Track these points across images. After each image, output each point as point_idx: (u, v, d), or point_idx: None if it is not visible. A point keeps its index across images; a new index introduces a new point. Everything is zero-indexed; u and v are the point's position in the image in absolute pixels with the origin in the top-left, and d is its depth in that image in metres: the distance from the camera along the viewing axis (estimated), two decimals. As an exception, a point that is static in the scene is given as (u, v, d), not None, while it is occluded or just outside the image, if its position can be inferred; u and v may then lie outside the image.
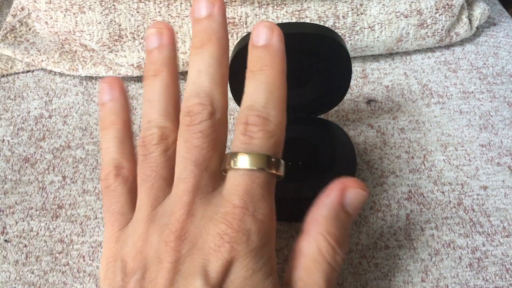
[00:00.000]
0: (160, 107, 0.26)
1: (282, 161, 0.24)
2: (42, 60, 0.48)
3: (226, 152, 0.25)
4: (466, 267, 0.34)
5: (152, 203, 0.24)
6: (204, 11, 0.25)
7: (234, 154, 0.23)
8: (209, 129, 0.23)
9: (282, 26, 0.34)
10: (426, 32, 0.49)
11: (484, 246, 0.35)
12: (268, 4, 0.46)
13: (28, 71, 0.50)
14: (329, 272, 0.23)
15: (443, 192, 0.38)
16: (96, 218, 0.37)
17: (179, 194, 0.23)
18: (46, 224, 0.37)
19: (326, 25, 0.47)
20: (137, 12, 0.46)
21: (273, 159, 0.23)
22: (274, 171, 0.23)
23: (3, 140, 0.43)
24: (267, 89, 0.24)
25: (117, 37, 0.46)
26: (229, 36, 0.46)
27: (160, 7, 0.46)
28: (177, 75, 0.27)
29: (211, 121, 0.24)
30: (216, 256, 0.21)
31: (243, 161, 0.23)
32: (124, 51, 0.47)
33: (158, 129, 0.25)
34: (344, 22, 0.47)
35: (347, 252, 0.35)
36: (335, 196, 0.24)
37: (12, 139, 0.43)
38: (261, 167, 0.23)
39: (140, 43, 0.47)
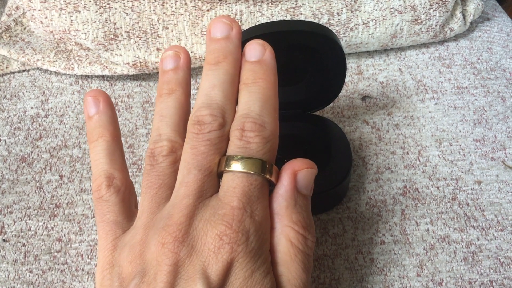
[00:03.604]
0: (172, 122, 0.26)
1: (276, 168, 0.24)
2: (38, 60, 0.48)
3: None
4: (461, 261, 0.34)
5: (153, 210, 0.24)
6: (222, 32, 0.26)
7: (231, 158, 0.23)
8: (217, 139, 0.24)
9: (276, 23, 0.35)
10: (420, 28, 0.49)
11: (478, 240, 0.35)
12: (262, 2, 0.46)
13: (23, 71, 0.50)
14: (305, 260, 0.24)
15: (437, 187, 0.39)
16: (93, 217, 0.37)
17: (179, 198, 0.23)
18: (44, 223, 0.37)
19: (321, 22, 0.47)
20: (132, 10, 0.46)
21: (267, 165, 0.24)
22: (268, 177, 0.23)
23: (0, 140, 0.43)
24: (261, 99, 0.25)
25: (112, 36, 0.46)
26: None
27: (155, 6, 0.46)
28: (190, 96, 0.28)
29: (220, 132, 0.24)
30: (216, 258, 0.22)
31: (241, 165, 0.23)
32: (120, 49, 0.47)
33: (168, 142, 0.25)
34: (339, 19, 0.47)
35: (343, 247, 0.35)
36: (289, 183, 0.24)
37: (9, 138, 0.43)
38: (258, 171, 0.23)
39: (136, 42, 0.47)
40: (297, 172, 0.25)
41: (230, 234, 0.22)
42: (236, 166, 0.23)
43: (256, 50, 0.26)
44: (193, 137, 0.24)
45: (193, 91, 0.48)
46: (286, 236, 0.24)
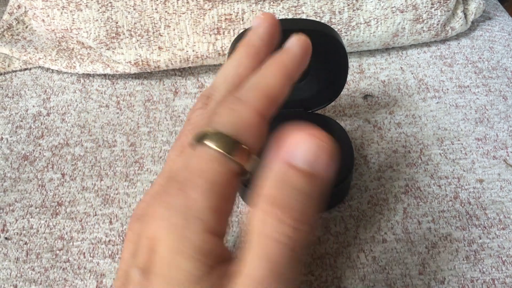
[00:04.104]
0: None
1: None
2: (40, 58, 0.48)
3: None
4: (463, 259, 0.34)
5: None
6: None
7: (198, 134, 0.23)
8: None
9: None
10: (422, 27, 0.49)
11: (480, 238, 0.35)
12: (264, 0, 0.46)
13: (25, 69, 0.50)
14: (274, 249, 0.18)
15: (439, 186, 0.39)
16: (95, 215, 0.37)
17: None
18: (46, 221, 0.37)
19: (323, 21, 0.47)
20: (134, 9, 0.46)
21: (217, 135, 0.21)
22: (218, 148, 0.21)
23: (2, 138, 0.43)
24: (260, 88, 0.24)
25: (114, 35, 0.47)
26: (226, 32, 0.47)
27: (157, 4, 0.46)
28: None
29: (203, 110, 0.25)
30: None
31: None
32: (121, 48, 0.47)
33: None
34: (340, 18, 0.47)
35: (345, 246, 0.35)
36: (276, 154, 0.19)
37: (11, 137, 0.43)
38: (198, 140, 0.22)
39: (137, 40, 0.47)
40: (294, 143, 0.19)
41: None
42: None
43: (289, 42, 0.25)
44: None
45: (195, 90, 0.48)
46: (259, 216, 0.19)
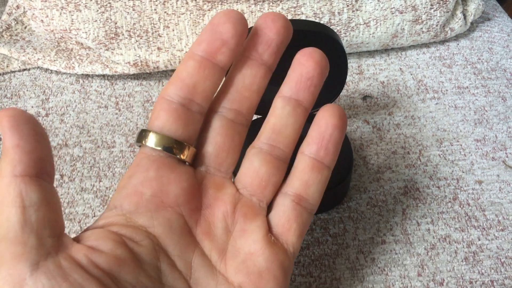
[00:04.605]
0: None
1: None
2: (38, 59, 0.48)
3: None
4: (462, 261, 0.34)
5: None
6: None
7: None
8: None
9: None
10: (421, 28, 0.49)
11: (479, 240, 0.35)
12: (263, 1, 0.46)
13: (24, 70, 0.50)
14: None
15: (438, 187, 0.39)
16: (94, 216, 0.37)
17: None
18: (44, 222, 0.37)
19: (322, 22, 0.47)
20: (133, 9, 0.46)
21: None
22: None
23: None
24: None
25: (113, 35, 0.46)
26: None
27: (156, 5, 0.46)
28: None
29: None
30: None
31: None
32: (121, 49, 0.47)
33: None
34: (340, 19, 0.47)
35: (344, 247, 0.35)
36: None
37: (9, 137, 0.43)
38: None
39: (137, 41, 0.47)
40: None
41: None
42: None
43: None
44: None
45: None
46: None
